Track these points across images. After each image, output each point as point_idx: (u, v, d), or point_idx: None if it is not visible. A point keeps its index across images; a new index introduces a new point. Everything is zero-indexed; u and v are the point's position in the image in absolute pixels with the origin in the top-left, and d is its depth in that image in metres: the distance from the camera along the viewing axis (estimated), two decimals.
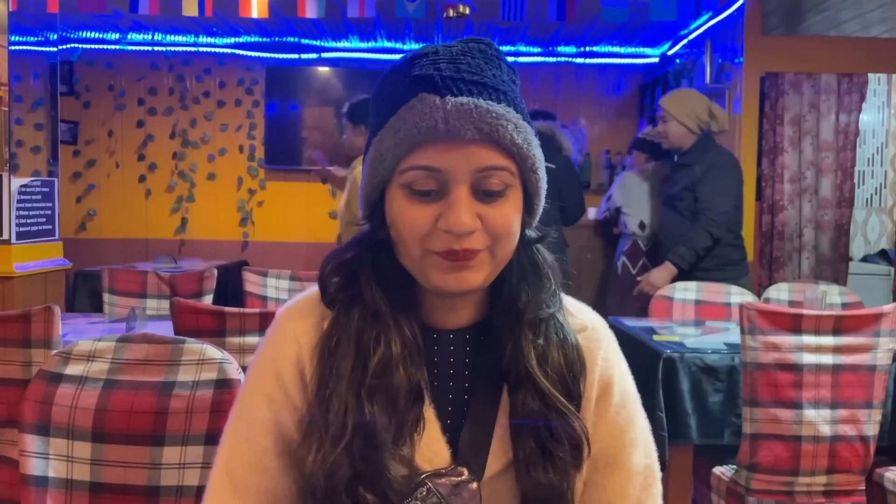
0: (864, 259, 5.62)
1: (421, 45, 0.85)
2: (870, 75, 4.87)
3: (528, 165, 0.82)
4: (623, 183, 4.29)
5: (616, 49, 5.86)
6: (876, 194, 5.95)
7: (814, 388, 1.99)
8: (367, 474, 0.81)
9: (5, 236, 3.28)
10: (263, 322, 1.93)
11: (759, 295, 3.37)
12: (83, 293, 4.32)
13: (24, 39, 3.62)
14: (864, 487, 2.06)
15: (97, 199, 5.82)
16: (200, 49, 5.80)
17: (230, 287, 4.37)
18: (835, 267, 4.60)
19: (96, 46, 5.78)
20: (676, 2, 3.79)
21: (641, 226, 4.10)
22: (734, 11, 4.45)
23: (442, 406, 0.87)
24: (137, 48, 5.79)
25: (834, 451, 2.00)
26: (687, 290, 3.08)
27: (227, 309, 1.96)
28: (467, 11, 4.21)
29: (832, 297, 2.97)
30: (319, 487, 0.82)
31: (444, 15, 4.31)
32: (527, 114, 0.84)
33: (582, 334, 0.91)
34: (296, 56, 5.87)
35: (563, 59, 5.92)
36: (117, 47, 5.78)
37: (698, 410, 2.15)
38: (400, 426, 0.82)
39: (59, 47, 4.07)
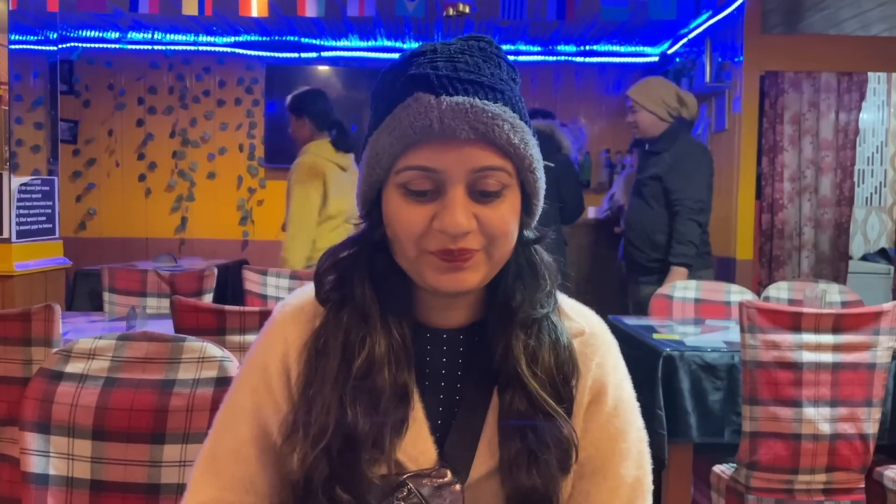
0: (864, 258, 5.62)
1: (420, 44, 0.84)
2: (869, 74, 4.87)
3: (525, 166, 0.82)
4: (627, 182, 4.27)
5: (616, 48, 5.86)
6: (876, 193, 5.95)
7: (813, 387, 1.99)
8: (344, 475, 0.81)
9: (5, 235, 3.28)
10: (263, 320, 1.91)
11: (758, 293, 3.37)
12: (83, 292, 4.32)
13: (24, 38, 3.62)
14: (863, 485, 2.06)
15: (97, 198, 5.82)
16: (200, 48, 5.80)
17: (230, 286, 4.37)
18: (834, 265, 4.60)
19: (96, 45, 5.78)
20: (676, 1, 3.79)
21: None
22: (734, 10, 4.45)
23: (432, 406, 0.87)
24: (137, 47, 5.79)
25: (833, 449, 2.00)
26: (687, 289, 3.08)
27: (228, 307, 1.96)
28: (467, 10, 4.21)
29: (832, 295, 2.97)
30: (299, 486, 0.83)
31: (444, 14, 4.31)
32: (525, 113, 0.83)
33: (579, 338, 0.90)
34: (296, 55, 5.87)
35: (562, 57, 5.92)
36: (117, 46, 5.78)
37: (698, 409, 2.16)
38: (381, 428, 0.82)
39: (59, 46, 4.07)
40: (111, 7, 4.24)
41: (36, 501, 1.19)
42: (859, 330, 2.00)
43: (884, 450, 2.23)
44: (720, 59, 4.61)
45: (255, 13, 3.90)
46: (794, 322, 1.99)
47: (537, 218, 0.88)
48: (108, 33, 5.68)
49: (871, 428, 2.02)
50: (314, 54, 5.89)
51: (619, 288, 4.13)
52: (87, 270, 4.41)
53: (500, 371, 0.86)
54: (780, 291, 3.12)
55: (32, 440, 1.20)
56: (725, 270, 4.39)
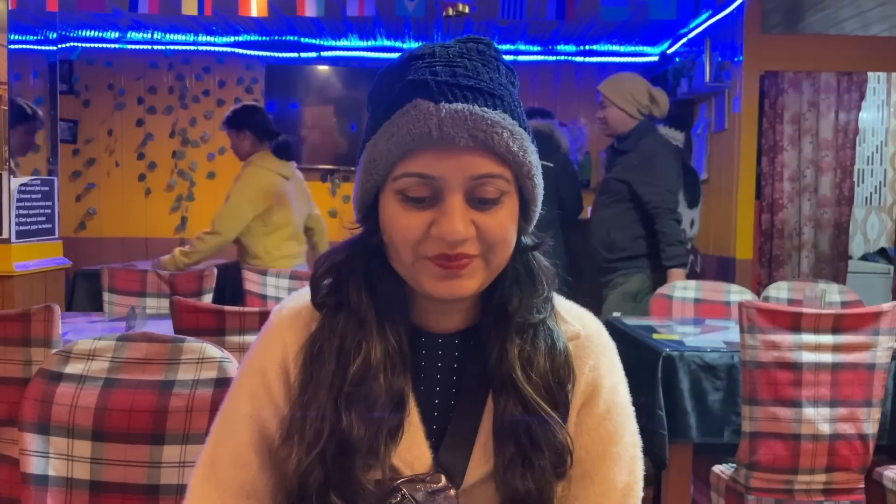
0: (864, 257, 5.62)
1: (419, 45, 0.84)
2: (869, 74, 4.87)
3: (524, 172, 0.81)
4: None
5: (615, 48, 5.86)
6: (875, 193, 5.95)
7: (813, 387, 1.99)
8: (338, 480, 0.81)
9: (5, 235, 3.28)
10: (263, 321, 1.91)
11: (758, 293, 3.37)
12: (83, 292, 4.31)
13: (24, 38, 3.62)
14: (863, 486, 2.06)
15: (97, 197, 5.81)
16: (200, 48, 5.80)
17: (230, 286, 4.37)
18: (834, 265, 4.60)
19: (96, 45, 5.77)
20: (676, 0, 3.79)
21: None
22: (733, 10, 4.45)
23: (427, 411, 0.87)
24: (137, 47, 5.79)
25: (833, 449, 2.00)
26: (686, 289, 3.08)
27: (227, 308, 1.96)
28: (467, 10, 4.21)
29: (831, 295, 2.98)
30: (294, 491, 0.83)
31: (444, 14, 4.31)
32: (524, 118, 0.83)
33: (574, 341, 0.89)
34: (295, 55, 5.87)
35: (562, 57, 5.92)
36: (117, 46, 5.77)
37: (698, 409, 2.16)
38: (377, 433, 0.81)
39: (59, 46, 4.07)
40: (111, 7, 4.24)
41: (35, 502, 1.19)
42: (859, 330, 2.00)
43: (883, 450, 2.23)
44: (720, 59, 4.61)
45: (254, 13, 3.90)
46: (794, 322, 1.99)
47: (534, 223, 0.88)
48: (108, 33, 5.68)
49: (871, 428, 2.02)
50: (314, 54, 5.89)
51: None
52: (87, 270, 4.40)
53: (494, 375, 0.85)
54: (779, 291, 3.12)
55: (32, 441, 1.20)
56: (725, 270, 4.39)
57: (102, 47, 5.77)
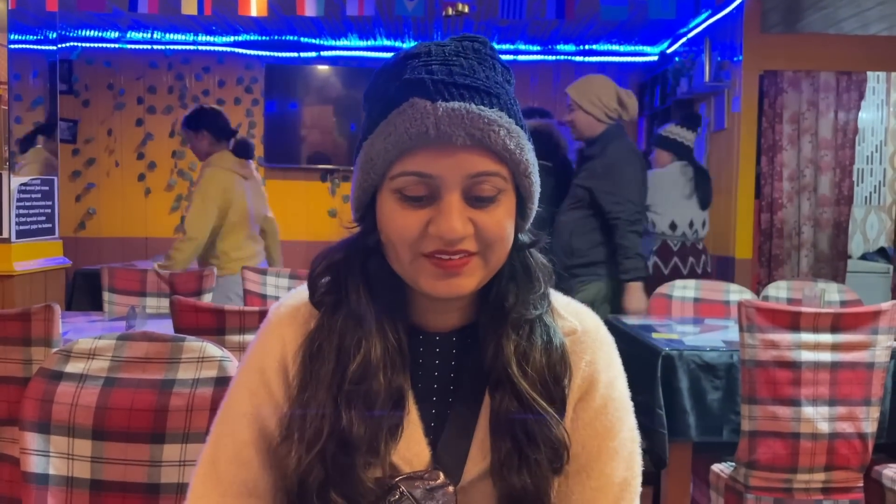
0: (863, 257, 5.63)
1: (415, 44, 0.84)
2: (869, 73, 4.87)
3: (520, 171, 0.81)
4: (653, 181, 4.05)
5: (615, 47, 5.86)
6: (875, 192, 5.95)
7: (812, 386, 1.99)
8: (338, 479, 0.81)
9: (5, 235, 3.28)
10: (263, 320, 1.93)
11: (757, 293, 3.37)
12: (83, 292, 4.32)
13: (24, 38, 3.62)
14: (862, 484, 2.07)
15: (97, 197, 5.82)
16: (200, 47, 5.80)
17: None
18: (833, 265, 4.60)
19: (95, 45, 5.77)
20: (675, 0, 3.79)
21: (672, 226, 4.05)
22: (733, 9, 4.46)
23: (426, 408, 0.87)
24: (137, 47, 5.79)
25: (832, 448, 2.01)
26: (686, 288, 3.09)
27: (227, 307, 1.96)
28: (466, 10, 4.21)
29: (831, 294, 2.98)
30: (293, 489, 0.83)
31: (444, 13, 4.32)
32: (520, 116, 0.83)
33: (570, 337, 0.89)
34: (295, 54, 5.88)
35: (562, 57, 5.92)
36: (116, 46, 5.77)
37: (697, 408, 2.16)
38: (376, 432, 0.82)
39: (59, 46, 4.07)
40: (110, 7, 4.24)
41: (36, 501, 1.19)
42: (858, 329, 2.00)
43: (882, 448, 2.23)
44: (719, 59, 4.61)
45: (254, 12, 3.91)
46: (793, 321, 1.99)
47: (530, 222, 0.88)
48: (108, 33, 5.68)
49: (870, 427, 2.02)
50: (314, 54, 5.89)
51: (650, 287, 4.12)
52: (87, 270, 4.41)
53: (491, 372, 0.86)
54: (779, 291, 3.12)
55: (32, 440, 1.20)
56: (724, 270, 4.39)
57: (102, 47, 5.78)
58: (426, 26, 5.39)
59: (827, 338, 2.00)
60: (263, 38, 5.74)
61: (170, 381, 1.25)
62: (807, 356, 1.99)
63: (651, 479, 2.38)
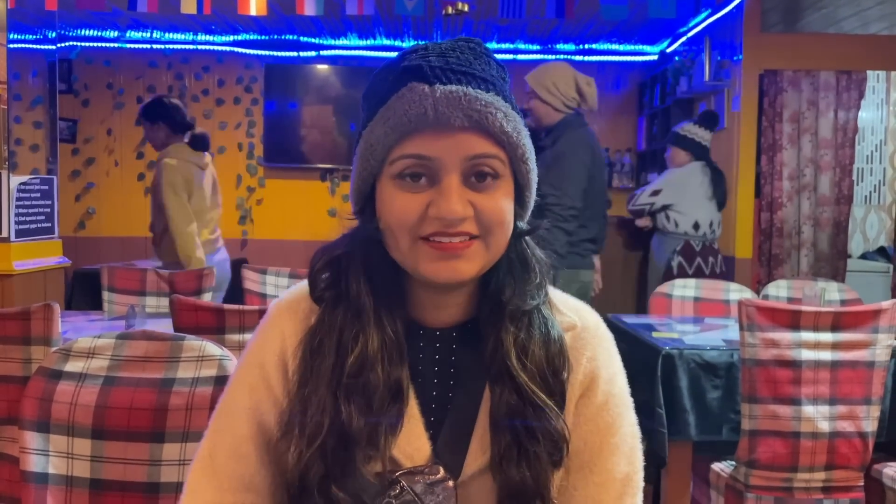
0: (863, 256, 5.63)
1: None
2: (868, 72, 4.87)
3: (518, 155, 0.82)
4: (677, 181, 4.11)
5: (615, 46, 5.86)
6: (875, 191, 5.95)
7: (812, 385, 1.99)
8: (339, 473, 0.81)
9: (4, 234, 3.28)
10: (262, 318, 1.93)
11: (757, 292, 3.37)
12: (82, 291, 4.32)
13: (23, 37, 3.62)
14: (862, 483, 2.07)
15: (96, 197, 5.82)
16: (199, 47, 5.80)
17: (229, 284, 4.37)
18: (833, 264, 4.60)
19: (95, 44, 5.77)
20: None
21: (696, 226, 4.03)
22: (733, 9, 4.46)
23: (426, 404, 0.87)
24: (136, 46, 5.79)
25: (832, 447, 2.01)
26: (686, 287, 3.09)
27: (227, 306, 1.96)
28: (466, 9, 4.21)
29: (831, 294, 2.98)
30: (294, 484, 0.83)
31: (443, 12, 4.31)
32: (517, 107, 0.84)
33: (570, 332, 0.90)
34: (294, 54, 5.87)
35: (562, 56, 5.91)
36: (116, 45, 5.77)
37: (697, 407, 2.16)
38: (376, 425, 0.82)
39: (58, 45, 4.07)
40: (110, 6, 4.24)
41: (35, 500, 1.19)
42: (858, 328, 2.00)
43: (883, 447, 2.23)
44: (719, 58, 4.61)
45: (253, 12, 3.90)
46: (794, 320, 1.99)
47: (530, 211, 0.89)
48: (107, 32, 5.68)
49: (870, 426, 2.02)
50: (313, 53, 5.89)
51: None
52: (87, 269, 4.41)
53: (490, 365, 0.86)
54: (779, 290, 3.12)
55: (32, 439, 1.20)
56: (724, 269, 4.39)
57: (101, 46, 5.77)
58: (426, 25, 5.39)
59: (827, 337, 2.00)
60: (263, 37, 5.74)
61: (169, 380, 1.25)
62: (807, 355, 1.99)
63: (651, 478, 2.38)
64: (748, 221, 4.43)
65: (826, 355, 1.99)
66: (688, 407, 2.15)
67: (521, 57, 5.84)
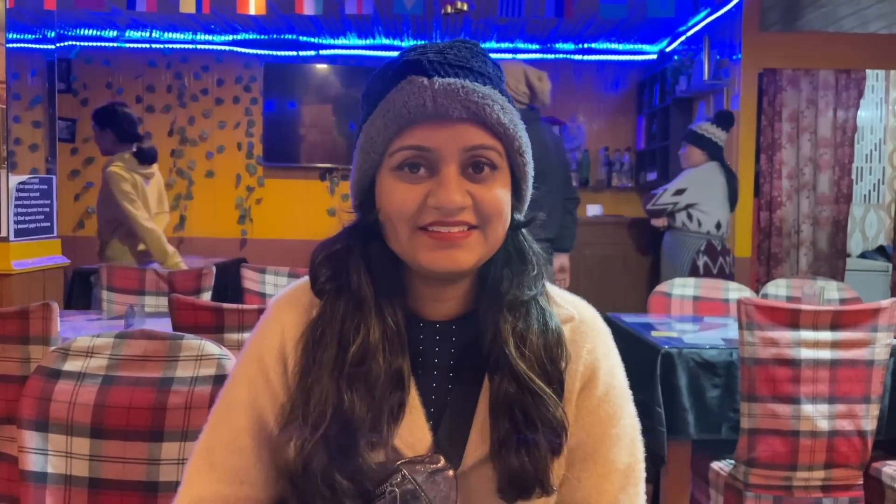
0: (862, 255, 5.63)
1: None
2: (868, 71, 4.87)
3: (515, 147, 0.84)
4: (701, 180, 4.08)
5: (614, 46, 5.86)
6: (874, 190, 5.95)
7: (812, 384, 1.99)
8: (342, 461, 0.82)
9: (3, 233, 3.28)
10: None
11: (757, 291, 3.37)
12: (81, 290, 4.31)
13: (22, 37, 3.62)
14: (861, 482, 2.07)
15: (95, 196, 5.80)
16: (198, 46, 5.80)
17: (229, 284, 4.37)
18: (832, 263, 4.60)
19: (94, 44, 5.77)
20: None
21: (718, 225, 4.03)
22: (732, 8, 4.46)
23: (427, 395, 0.88)
24: (135, 45, 5.79)
25: (832, 445, 2.01)
26: (685, 287, 3.09)
27: (226, 305, 1.96)
28: (465, 8, 4.21)
29: (830, 292, 2.98)
30: (297, 474, 0.84)
31: (443, 11, 4.31)
32: (513, 102, 0.87)
33: (569, 325, 0.91)
34: (294, 53, 5.87)
35: (561, 55, 5.92)
36: (115, 45, 5.77)
37: (696, 406, 2.16)
38: (378, 414, 0.83)
39: (57, 45, 4.06)
40: (109, 5, 4.24)
41: (34, 499, 1.19)
42: (857, 327, 2.00)
43: (882, 446, 2.23)
44: (718, 57, 4.61)
45: (253, 11, 3.90)
46: (793, 319, 1.99)
47: (527, 204, 0.90)
48: (106, 32, 5.68)
49: (870, 424, 2.02)
50: (312, 52, 5.89)
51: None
52: (86, 269, 4.40)
53: (489, 355, 0.87)
54: (778, 288, 3.12)
55: (30, 438, 1.20)
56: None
57: (101, 46, 5.77)
58: (425, 24, 5.39)
59: (826, 335, 2.00)
60: (262, 36, 5.74)
61: (168, 379, 1.25)
62: (806, 354, 1.99)
63: (650, 477, 2.37)
64: (747, 220, 4.44)
65: (825, 354, 2.00)
66: (687, 406, 2.15)
67: (520, 56, 5.84)
